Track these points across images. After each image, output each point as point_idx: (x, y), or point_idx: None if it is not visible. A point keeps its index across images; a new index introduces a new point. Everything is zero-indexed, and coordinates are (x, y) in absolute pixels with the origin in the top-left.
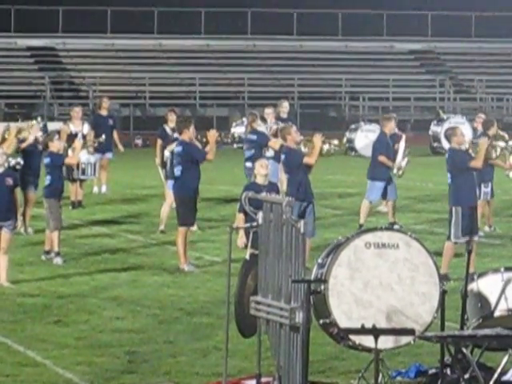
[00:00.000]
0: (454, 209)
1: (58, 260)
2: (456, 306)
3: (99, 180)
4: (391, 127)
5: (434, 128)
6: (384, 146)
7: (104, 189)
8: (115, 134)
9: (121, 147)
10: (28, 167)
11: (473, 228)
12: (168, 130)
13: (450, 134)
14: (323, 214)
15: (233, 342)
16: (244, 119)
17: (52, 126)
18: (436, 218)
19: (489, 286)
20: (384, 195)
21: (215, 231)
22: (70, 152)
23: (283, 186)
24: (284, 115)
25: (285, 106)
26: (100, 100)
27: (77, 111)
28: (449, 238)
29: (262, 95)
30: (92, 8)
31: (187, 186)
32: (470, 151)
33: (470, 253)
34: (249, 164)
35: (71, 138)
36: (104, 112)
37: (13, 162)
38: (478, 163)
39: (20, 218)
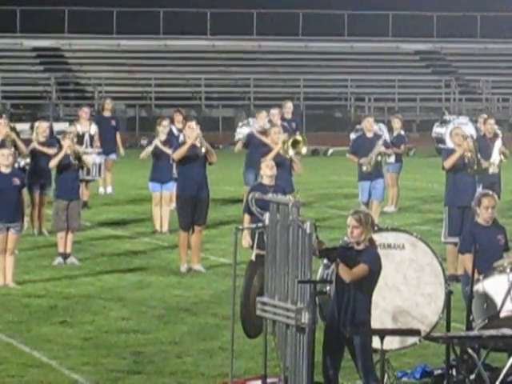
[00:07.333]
0: (444, 209)
1: (58, 261)
2: (462, 306)
3: (105, 181)
4: (369, 127)
5: (437, 130)
6: (355, 145)
7: (110, 189)
8: (118, 136)
9: (122, 151)
10: (35, 168)
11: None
12: (174, 130)
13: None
14: (329, 214)
15: (238, 342)
16: (250, 119)
17: (57, 126)
18: (441, 218)
19: (495, 286)
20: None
21: (221, 232)
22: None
23: None
24: (288, 116)
25: (288, 107)
26: (103, 101)
27: (85, 111)
28: None
29: (268, 96)
30: (98, 9)
31: (179, 187)
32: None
33: (475, 253)
34: None
35: (79, 138)
36: (107, 113)
37: (22, 162)
38: (445, 164)
39: (26, 219)
